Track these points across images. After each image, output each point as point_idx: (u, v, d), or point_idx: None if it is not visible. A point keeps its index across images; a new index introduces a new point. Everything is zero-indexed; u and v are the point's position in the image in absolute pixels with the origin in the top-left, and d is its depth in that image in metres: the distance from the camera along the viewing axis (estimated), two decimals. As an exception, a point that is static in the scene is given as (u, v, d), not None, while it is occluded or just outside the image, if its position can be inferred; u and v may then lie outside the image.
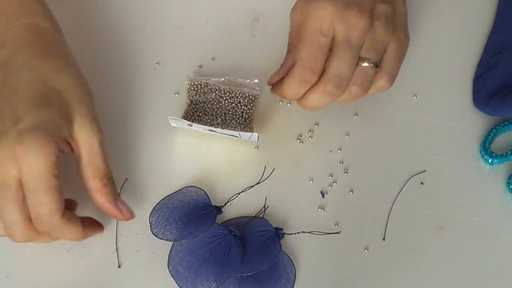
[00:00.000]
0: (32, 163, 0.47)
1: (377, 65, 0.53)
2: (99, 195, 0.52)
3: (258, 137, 0.58)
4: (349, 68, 0.52)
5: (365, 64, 0.52)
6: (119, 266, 0.56)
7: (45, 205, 0.48)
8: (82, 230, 0.51)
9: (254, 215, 0.58)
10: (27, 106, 0.49)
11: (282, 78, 0.55)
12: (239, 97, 0.62)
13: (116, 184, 0.54)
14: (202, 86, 0.62)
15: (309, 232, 0.57)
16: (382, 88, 0.55)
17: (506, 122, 0.61)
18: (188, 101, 0.62)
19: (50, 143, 0.48)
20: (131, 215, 0.54)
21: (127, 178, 0.58)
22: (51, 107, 0.50)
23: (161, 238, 0.56)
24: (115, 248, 0.56)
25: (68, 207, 0.52)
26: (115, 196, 0.53)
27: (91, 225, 0.54)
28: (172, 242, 0.56)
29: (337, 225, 0.58)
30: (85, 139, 0.52)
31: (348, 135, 0.62)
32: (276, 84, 0.56)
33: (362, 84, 0.53)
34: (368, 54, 0.52)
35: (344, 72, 0.52)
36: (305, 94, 0.54)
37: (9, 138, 0.47)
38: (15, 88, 0.50)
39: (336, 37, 0.52)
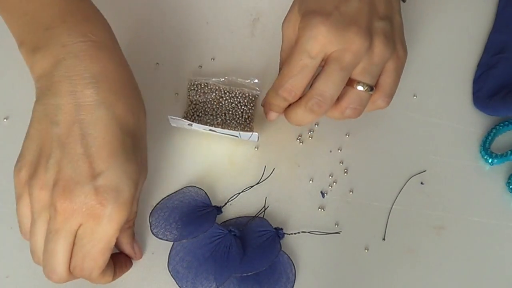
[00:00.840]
0: (104, 225, 0.46)
1: (372, 88, 0.51)
2: (122, 235, 0.52)
3: (258, 137, 0.58)
4: (335, 89, 0.50)
5: (360, 88, 0.51)
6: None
7: (94, 261, 0.47)
8: (112, 279, 0.51)
9: (254, 215, 0.58)
10: (108, 156, 0.46)
11: None
12: (239, 97, 0.62)
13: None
14: (202, 86, 0.62)
15: (309, 232, 0.57)
16: (380, 107, 0.53)
17: (506, 122, 0.61)
18: (188, 101, 0.62)
19: (128, 208, 0.46)
20: (141, 255, 0.55)
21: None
22: (131, 160, 0.47)
23: (161, 238, 0.56)
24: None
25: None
26: (133, 238, 0.54)
27: (121, 266, 0.53)
28: (172, 242, 0.56)
29: (337, 225, 0.58)
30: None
31: (348, 135, 0.62)
32: (264, 103, 0.56)
33: (356, 109, 0.52)
34: (363, 78, 0.50)
35: (329, 92, 0.50)
36: (289, 107, 0.53)
37: (84, 192, 0.45)
38: (90, 129, 0.46)
39: (328, 57, 0.50)
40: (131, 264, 0.55)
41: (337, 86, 0.50)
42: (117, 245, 0.52)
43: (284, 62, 0.53)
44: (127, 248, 0.53)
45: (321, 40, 0.49)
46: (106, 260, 0.48)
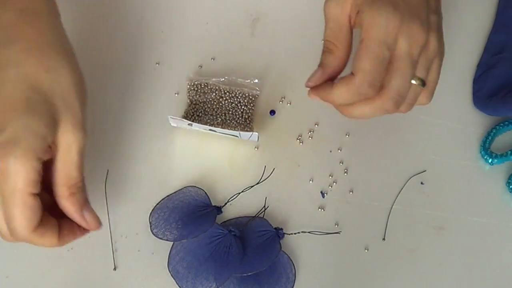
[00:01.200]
0: (8, 179, 0.45)
1: (424, 83, 0.50)
2: (65, 202, 0.49)
3: (258, 136, 0.58)
4: (409, 86, 0.49)
5: (414, 82, 0.49)
6: (114, 269, 0.56)
7: (15, 220, 0.46)
8: (57, 241, 0.49)
9: (254, 215, 0.58)
10: (10, 112, 0.46)
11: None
12: (239, 97, 0.62)
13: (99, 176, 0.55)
14: (202, 86, 0.62)
15: (309, 232, 0.57)
16: (422, 104, 0.52)
17: (506, 122, 0.61)
18: (188, 101, 0.62)
19: (29, 160, 0.45)
20: (96, 225, 0.51)
21: (108, 170, 0.58)
22: (36, 115, 0.47)
23: (161, 238, 0.56)
24: (115, 248, 0.56)
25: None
26: (81, 205, 0.50)
27: (72, 230, 0.50)
28: (172, 242, 0.56)
29: (337, 225, 0.58)
30: (64, 145, 0.48)
31: (348, 135, 0.62)
32: (319, 88, 0.51)
33: (410, 104, 0.50)
34: (419, 72, 0.49)
35: (405, 90, 0.48)
36: (354, 104, 0.50)
37: None
38: (0, 87, 0.47)
39: (397, 51, 0.48)
40: (85, 230, 0.51)
41: (410, 82, 0.49)
42: (66, 213, 0.50)
43: (335, 45, 0.50)
44: (75, 216, 0.50)
45: (394, 30, 0.47)
46: (30, 219, 0.46)
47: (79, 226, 0.51)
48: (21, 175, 0.45)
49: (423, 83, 0.50)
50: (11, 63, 0.48)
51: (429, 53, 0.50)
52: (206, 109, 0.61)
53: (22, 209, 0.46)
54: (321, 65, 0.51)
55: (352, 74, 0.48)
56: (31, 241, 0.48)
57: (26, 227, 0.47)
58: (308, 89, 0.52)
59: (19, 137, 0.45)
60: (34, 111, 0.47)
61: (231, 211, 0.58)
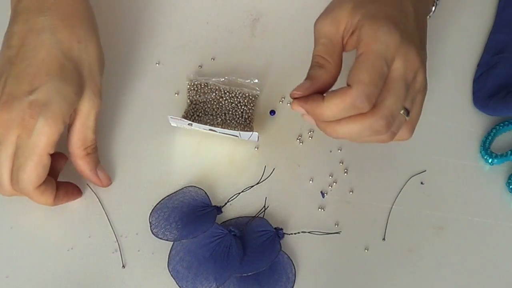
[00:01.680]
0: (33, 135, 0.49)
1: (408, 113, 0.49)
2: (81, 162, 0.55)
3: (258, 136, 0.58)
4: (400, 109, 0.47)
5: (401, 112, 0.48)
6: (123, 266, 0.56)
7: (26, 174, 0.50)
8: (52, 201, 0.53)
9: (254, 215, 0.58)
10: (45, 75, 0.50)
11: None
12: (239, 97, 0.62)
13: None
14: (202, 86, 0.62)
15: (309, 232, 0.57)
16: (403, 139, 0.51)
17: (506, 122, 0.61)
18: (188, 101, 0.62)
19: (57, 124, 0.50)
20: (108, 182, 0.57)
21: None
22: (68, 81, 0.51)
23: (161, 238, 0.56)
24: (115, 248, 0.56)
25: (57, 161, 0.55)
26: (96, 164, 0.56)
27: (67, 193, 0.56)
28: (172, 242, 0.56)
29: (337, 225, 0.58)
30: (84, 111, 0.53)
31: (348, 135, 0.62)
32: (307, 99, 0.48)
33: (393, 133, 0.48)
34: (406, 102, 0.48)
35: (397, 113, 0.47)
36: (341, 120, 0.47)
37: (20, 106, 0.49)
38: (34, 51, 0.51)
39: (393, 72, 0.47)
40: (79, 193, 0.57)
41: (401, 106, 0.47)
42: (81, 173, 0.56)
43: (327, 60, 0.49)
44: (90, 175, 0.56)
45: (393, 47, 0.46)
46: (39, 176, 0.51)
47: (73, 190, 0.56)
48: (46, 135, 0.50)
49: (407, 113, 0.48)
50: (47, 29, 0.52)
51: (416, 85, 0.49)
52: (206, 109, 0.61)
53: (36, 165, 0.50)
54: (309, 77, 0.49)
55: (347, 86, 0.46)
56: (30, 196, 0.52)
57: (33, 182, 0.51)
58: (291, 100, 0.49)
59: (51, 100, 0.50)
60: (66, 77, 0.51)
61: (231, 211, 0.58)
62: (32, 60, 0.51)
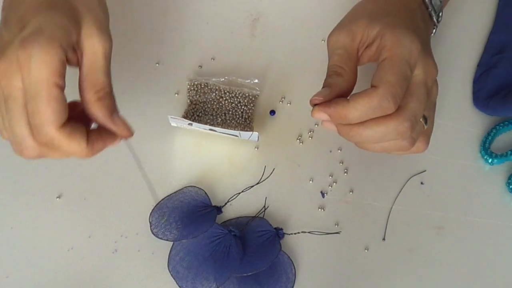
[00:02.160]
0: (32, 69, 0.44)
1: (427, 122, 0.49)
2: (93, 108, 0.47)
3: (258, 136, 0.58)
4: (422, 114, 0.47)
5: (421, 119, 0.48)
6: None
7: (41, 114, 0.44)
8: (86, 145, 0.46)
9: (254, 215, 0.58)
10: (33, 11, 0.47)
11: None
12: (239, 97, 0.62)
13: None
14: (202, 86, 0.62)
15: (309, 232, 0.57)
16: (419, 151, 0.51)
17: (506, 122, 0.61)
18: (188, 101, 0.62)
19: (53, 48, 0.45)
20: (127, 131, 0.49)
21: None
22: (58, 11, 0.47)
23: (161, 238, 0.56)
24: (115, 248, 0.56)
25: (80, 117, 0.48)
26: (111, 110, 0.48)
27: (101, 136, 0.48)
28: (172, 242, 0.56)
29: (337, 225, 0.58)
30: (89, 48, 0.48)
31: (348, 135, 0.62)
32: (330, 103, 0.48)
33: (414, 139, 0.48)
34: (426, 109, 0.49)
35: (419, 116, 0.47)
36: (366, 122, 0.47)
37: (13, 47, 0.45)
38: None
39: (415, 78, 0.48)
40: (115, 137, 0.49)
41: (423, 112, 0.47)
42: (96, 121, 0.48)
43: (344, 69, 0.49)
44: (104, 121, 0.48)
45: (415, 53, 0.47)
46: (55, 111, 0.44)
47: (108, 133, 0.48)
48: (45, 62, 0.44)
49: (426, 121, 0.49)
50: None
51: (432, 96, 0.50)
52: (206, 109, 0.61)
53: (48, 100, 0.44)
54: (328, 85, 0.49)
55: (372, 87, 0.46)
56: (58, 142, 0.45)
57: (53, 121, 0.44)
58: (313, 110, 0.49)
59: (42, 27, 0.45)
60: (56, 7, 0.47)
61: (231, 211, 0.58)
62: (21, 5, 0.48)
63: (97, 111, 0.48)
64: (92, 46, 0.48)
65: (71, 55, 0.47)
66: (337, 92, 0.48)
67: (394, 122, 0.46)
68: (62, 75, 0.45)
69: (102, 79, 0.48)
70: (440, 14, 0.56)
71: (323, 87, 0.49)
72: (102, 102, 0.48)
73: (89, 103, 0.48)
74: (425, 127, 0.49)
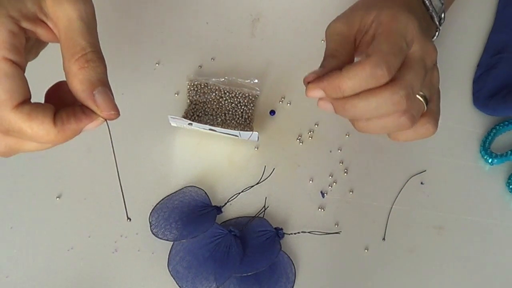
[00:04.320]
0: None
1: (427, 102, 0.48)
2: (74, 81, 0.40)
3: (258, 136, 0.58)
4: (419, 89, 0.46)
5: (418, 97, 0.47)
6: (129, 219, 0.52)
7: None
8: (52, 126, 0.39)
9: (254, 215, 0.58)
10: None
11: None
12: (239, 97, 0.62)
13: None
14: (202, 86, 0.62)
15: (309, 232, 0.57)
16: (428, 133, 0.50)
17: (506, 122, 0.61)
18: (188, 101, 0.62)
19: (1, 16, 0.39)
20: (108, 109, 0.41)
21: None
22: None
23: (161, 238, 0.56)
24: (115, 248, 0.56)
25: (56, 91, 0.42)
26: (92, 84, 0.41)
27: (74, 114, 0.41)
28: (172, 242, 0.56)
29: (337, 225, 0.58)
30: (62, 15, 0.41)
31: (348, 135, 0.62)
32: (323, 77, 0.45)
33: (413, 116, 0.47)
34: (423, 90, 0.48)
35: (416, 88, 0.46)
36: (361, 93, 0.45)
37: None
38: None
39: (412, 54, 0.46)
40: (91, 115, 0.41)
41: (420, 86, 0.46)
42: (76, 97, 0.41)
43: (339, 51, 0.48)
44: (82, 96, 0.40)
45: (412, 31, 0.46)
46: (9, 91, 0.39)
47: (83, 112, 0.41)
48: None
49: (426, 101, 0.48)
50: None
51: (434, 79, 0.49)
52: (206, 109, 0.61)
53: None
54: (322, 66, 0.47)
55: (366, 57, 0.44)
56: (17, 126, 0.39)
57: (4, 100, 0.38)
58: (306, 91, 0.47)
59: None
60: None
61: (231, 211, 0.58)
62: None
63: (77, 83, 0.40)
64: (64, 12, 0.41)
65: (34, 27, 0.41)
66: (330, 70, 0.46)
67: (389, 91, 0.44)
68: (13, 48, 0.39)
69: (80, 43, 0.41)
70: (442, 16, 0.56)
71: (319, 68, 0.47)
72: (83, 71, 0.41)
73: (70, 75, 0.41)
74: (425, 107, 0.48)
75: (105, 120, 0.41)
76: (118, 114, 0.42)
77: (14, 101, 0.39)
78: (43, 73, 0.47)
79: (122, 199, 0.46)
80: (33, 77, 0.43)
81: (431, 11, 0.54)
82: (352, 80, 0.44)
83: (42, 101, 0.43)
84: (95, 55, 0.41)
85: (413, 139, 0.49)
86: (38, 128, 0.39)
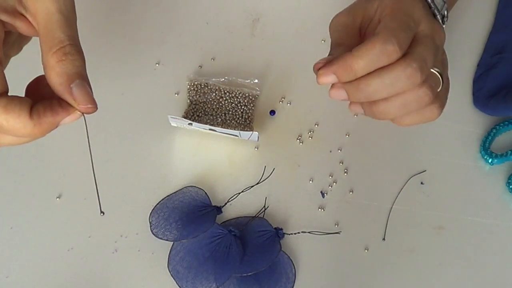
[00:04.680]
0: None
1: (442, 78, 0.47)
2: (52, 74, 0.39)
3: (258, 136, 0.58)
4: (432, 62, 0.45)
5: (433, 71, 0.46)
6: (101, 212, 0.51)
7: None
8: (28, 118, 0.39)
9: (254, 215, 0.58)
10: None
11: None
12: (239, 97, 0.62)
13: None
14: (202, 86, 0.62)
15: (309, 232, 0.57)
16: (433, 116, 0.48)
17: (506, 122, 0.61)
18: (188, 101, 0.62)
19: None
20: (85, 102, 0.40)
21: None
22: None
23: (161, 238, 0.56)
24: (115, 248, 0.56)
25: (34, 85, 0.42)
26: (70, 77, 0.40)
27: (51, 107, 0.40)
28: (172, 242, 0.56)
29: (337, 225, 0.58)
30: (40, 8, 0.41)
31: (348, 135, 0.62)
32: (330, 62, 0.44)
33: (431, 86, 0.45)
34: (437, 63, 0.47)
35: (430, 61, 0.45)
36: (374, 72, 0.44)
37: None
38: None
39: (420, 33, 0.46)
40: (68, 108, 0.40)
41: (433, 60, 0.45)
42: (54, 90, 0.40)
43: (345, 40, 0.47)
44: (60, 89, 0.40)
45: (418, 13, 0.46)
46: None
47: (60, 104, 0.40)
48: None
49: (441, 77, 0.47)
50: None
51: (444, 62, 0.49)
52: (206, 109, 0.61)
53: None
54: (330, 54, 0.46)
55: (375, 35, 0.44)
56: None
57: None
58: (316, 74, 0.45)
59: None
60: None
61: (231, 211, 0.58)
62: None
63: (54, 76, 0.40)
64: (43, 5, 0.41)
65: (12, 20, 0.41)
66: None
67: (401, 65, 0.43)
68: None
69: (58, 35, 0.40)
70: (445, 14, 0.55)
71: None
72: (61, 64, 0.40)
73: (48, 68, 0.40)
74: (441, 83, 0.47)
75: (82, 114, 0.41)
76: (95, 108, 0.41)
77: None
78: (24, 69, 0.47)
79: (97, 194, 0.45)
80: (15, 73, 0.42)
81: (433, 8, 0.54)
82: (363, 59, 0.43)
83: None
84: (74, 48, 0.41)
85: (418, 122, 0.48)
86: (14, 121, 0.39)
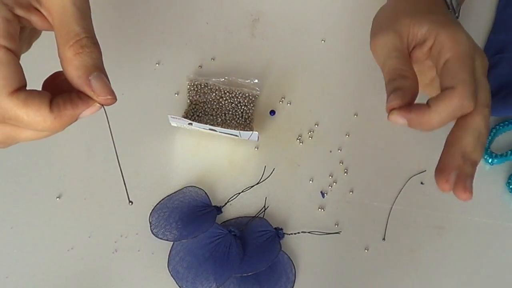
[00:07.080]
0: None
1: None
2: (69, 68, 0.40)
3: (258, 136, 0.58)
4: (490, 102, 0.47)
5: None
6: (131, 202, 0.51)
7: None
8: (48, 112, 0.39)
9: (254, 215, 0.58)
10: None
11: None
12: (239, 97, 0.62)
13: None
14: (202, 86, 0.62)
15: (309, 232, 0.57)
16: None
17: (506, 122, 0.61)
18: (188, 101, 0.62)
19: None
20: (105, 93, 0.41)
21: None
22: None
23: (161, 238, 0.56)
24: (115, 248, 0.56)
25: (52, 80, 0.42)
26: (89, 70, 0.40)
27: (71, 100, 0.40)
28: (172, 242, 0.56)
29: (337, 225, 0.58)
30: (55, 1, 0.41)
31: (348, 135, 0.62)
32: (408, 109, 0.45)
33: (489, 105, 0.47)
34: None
35: (490, 105, 0.46)
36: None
37: None
38: None
39: (477, 70, 0.47)
40: (88, 100, 0.41)
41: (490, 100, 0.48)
42: (72, 83, 0.41)
43: (406, 70, 0.47)
44: (79, 82, 0.40)
45: (473, 49, 0.48)
46: (6, 78, 0.39)
47: (79, 97, 0.41)
48: None
49: None
50: None
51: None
52: (206, 109, 0.61)
53: None
54: (398, 88, 0.46)
55: (448, 89, 0.45)
56: (13, 112, 0.39)
57: (1, 87, 0.38)
58: (389, 113, 0.46)
59: None
60: None
61: (231, 211, 0.58)
62: None
63: (72, 70, 0.40)
64: (58, 2, 0.41)
65: (28, 15, 0.41)
66: (410, 95, 0.46)
67: (474, 120, 0.45)
68: (8, 35, 0.39)
69: (74, 28, 0.41)
70: (457, 14, 0.56)
71: (392, 92, 0.46)
72: (79, 57, 0.40)
73: (65, 62, 0.40)
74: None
75: (102, 106, 0.41)
76: (115, 99, 0.42)
77: (10, 88, 0.39)
78: (39, 66, 0.47)
79: (123, 183, 0.46)
80: (30, 71, 0.42)
81: (450, 10, 0.54)
82: (441, 115, 0.44)
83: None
84: (90, 40, 0.41)
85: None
86: (35, 115, 0.39)
